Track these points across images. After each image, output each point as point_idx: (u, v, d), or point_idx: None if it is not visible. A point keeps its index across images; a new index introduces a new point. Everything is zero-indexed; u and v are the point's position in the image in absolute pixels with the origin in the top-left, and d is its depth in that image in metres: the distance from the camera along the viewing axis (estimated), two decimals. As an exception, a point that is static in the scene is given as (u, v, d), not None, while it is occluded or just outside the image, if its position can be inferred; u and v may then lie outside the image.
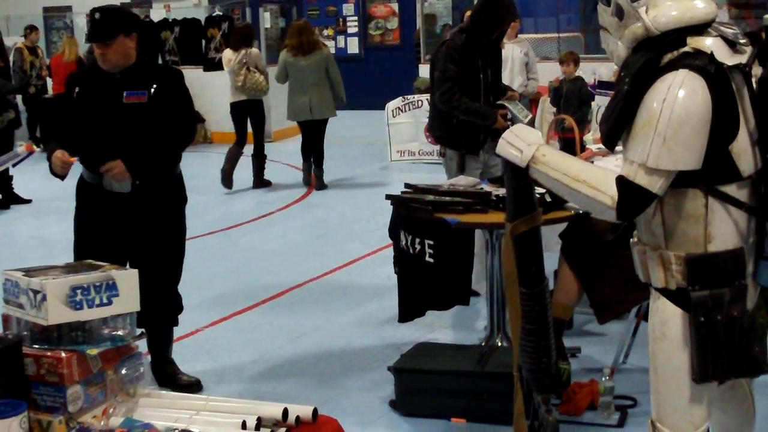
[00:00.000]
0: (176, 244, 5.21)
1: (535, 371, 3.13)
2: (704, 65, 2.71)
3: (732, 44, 2.82)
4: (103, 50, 4.80)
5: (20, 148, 4.26)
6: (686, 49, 2.77)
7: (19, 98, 14.89)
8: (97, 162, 4.88)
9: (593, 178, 2.79)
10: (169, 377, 5.27)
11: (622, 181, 2.74)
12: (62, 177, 4.82)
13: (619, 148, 2.93)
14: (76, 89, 4.99)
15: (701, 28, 2.81)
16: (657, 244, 2.89)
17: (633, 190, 2.73)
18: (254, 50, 11.59)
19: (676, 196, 2.81)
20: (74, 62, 14.24)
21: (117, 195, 4.93)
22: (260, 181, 11.84)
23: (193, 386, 5.23)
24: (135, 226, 4.97)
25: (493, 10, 6.16)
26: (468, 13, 7.34)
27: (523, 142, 2.92)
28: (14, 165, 4.52)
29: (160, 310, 5.05)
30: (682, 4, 2.79)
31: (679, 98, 2.68)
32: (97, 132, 4.90)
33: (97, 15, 4.82)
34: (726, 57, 2.77)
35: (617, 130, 2.82)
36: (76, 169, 4.99)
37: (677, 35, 2.78)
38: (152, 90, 4.89)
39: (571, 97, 10.00)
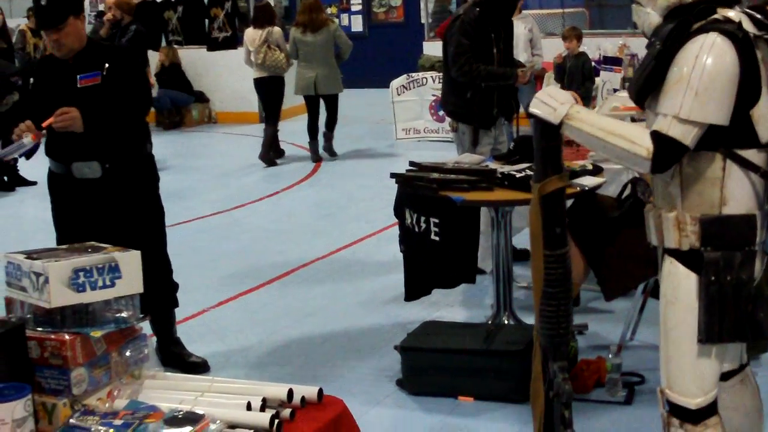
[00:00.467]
0: (155, 224, 5.11)
1: (553, 336, 3.15)
2: (733, 30, 2.85)
3: (757, 22, 2.93)
4: (57, 36, 4.65)
5: (27, 138, 4.21)
6: (716, 16, 2.90)
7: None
8: (60, 150, 4.80)
9: (628, 131, 2.93)
10: (176, 357, 5.28)
11: (656, 135, 2.86)
12: (30, 151, 4.58)
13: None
14: (31, 80, 4.91)
15: (730, 3, 2.95)
16: (673, 206, 3.00)
17: (667, 142, 2.85)
18: (276, 29, 11.86)
19: (696, 158, 2.93)
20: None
21: (88, 182, 4.82)
22: (277, 154, 12.15)
23: (200, 366, 5.23)
24: (110, 211, 4.86)
25: None
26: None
27: (556, 101, 3.02)
28: (21, 155, 4.46)
29: (155, 292, 4.89)
30: None
31: (710, 56, 2.81)
32: None
33: (42, 1, 4.64)
34: (751, 29, 2.90)
35: (648, 87, 2.96)
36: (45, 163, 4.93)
37: (707, 5, 2.92)
38: (105, 70, 4.76)
39: (574, 73, 9.97)
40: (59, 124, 4.57)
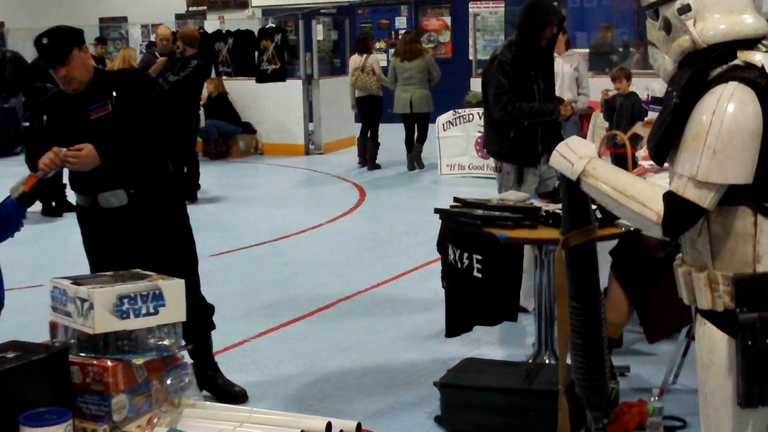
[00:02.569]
0: (185, 246, 5.09)
1: (586, 388, 3.09)
2: (755, 78, 2.66)
3: None
4: (66, 71, 4.65)
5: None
6: (736, 62, 2.71)
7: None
8: (84, 183, 4.84)
9: (640, 192, 2.75)
10: (213, 383, 5.28)
11: (670, 197, 2.69)
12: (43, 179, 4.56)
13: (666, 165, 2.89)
14: (44, 117, 4.91)
15: (751, 43, 2.75)
16: (703, 264, 2.81)
17: (681, 205, 2.67)
18: (373, 56, 14.00)
19: (723, 214, 2.74)
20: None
21: (115, 210, 4.82)
22: (372, 165, 14.01)
23: (239, 397, 5.23)
24: (140, 236, 4.85)
25: (534, 14, 6.20)
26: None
27: (575, 154, 2.91)
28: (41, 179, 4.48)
29: (190, 315, 4.92)
30: (730, 18, 2.73)
31: (729, 110, 2.62)
32: None
33: (44, 40, 4.65)
34: None
35: (666, 144, 2.76)
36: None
37: (726, 49, 2.73)
38: (113, 99, 4.74)
39: (623, 113, 9.92)
40: (73, 165, 4.58)
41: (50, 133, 4.82)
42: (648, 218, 2.71)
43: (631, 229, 4.79)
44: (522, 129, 6.29)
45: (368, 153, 14.08)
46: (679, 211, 2.68)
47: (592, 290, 3.02)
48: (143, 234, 4.85)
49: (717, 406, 2.86)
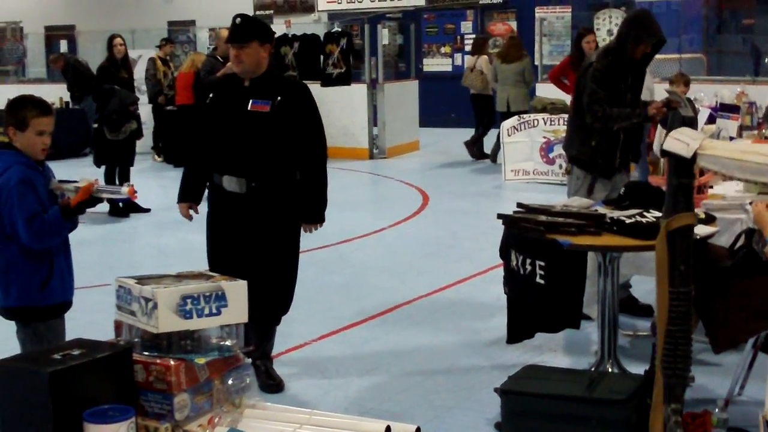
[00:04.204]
0: (290, 244, 5.49)
1: (669, 377, 3.11)
2: None
3: None
4: (238, 51, 5.20)
5: (124, 188, 4.30)
6: None
7: (149, 107, 15.34)
8: (222, 164, 5.31)
9: (761, 148, 3.07)
10: (261, 373, 5.48)
11: None
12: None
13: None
14: (211, 95, 5.42)
15: None
16: None
17: None
18: (483, 57, 15.25)
19: None
20: (192, 74, 14.52)
21: (235, 194, 5.29)
22: (480, 155, 15.22)
23: (275, 386, 5.46)
24: (251, 222, 5.30)
25: (633, 26, 6.18)
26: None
27: (689, 137, 3.16)
28: (111, 200, 4.54)
29: (268, 304, 5.31)
30: None
31: None
32: (222, 136, 5.31)
33: (237, 20, 5.26)
34: None
35: None
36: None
37: None
38: (276, 101, 5.22)
39: (676, 119, 9.78)
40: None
41: (210, 110, 5.38)
42: None
43: (698, 237, 4.73)
44: (605, 138, 6.26)
45: (475, 146, 15.24)
46: None
47: (687, 276, 3.11)
48: (254, 223, 5.32)
49: None
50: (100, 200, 4.33)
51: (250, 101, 5.24)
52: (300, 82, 6.11)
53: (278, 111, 5.22)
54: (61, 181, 4.36)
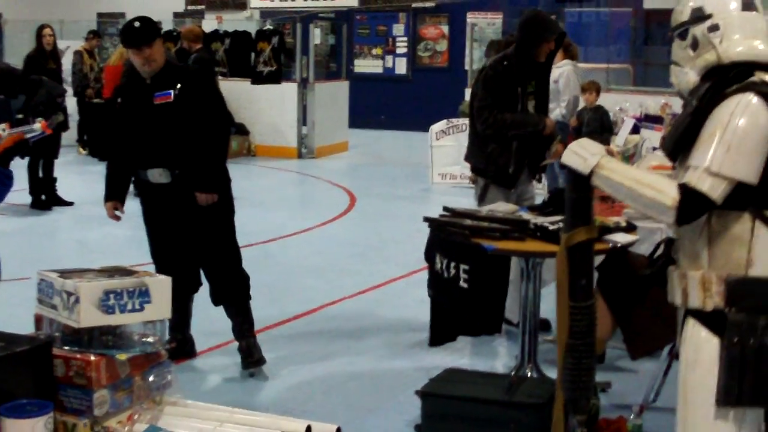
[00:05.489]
0: (224, 223, 5.69)
1: (573, 390, 3.15)
2: None
3: None
4: (150, 52, 5.36)
5: (36, 124, 4.23)
6: (753, 78, 2.95)
7: (74, 101, 15.11)
8: (143, 159, 5.54)
9: (656, 181, 2.96)
10: (242, 351, 5.74)
11: (684, 187, 2.89)
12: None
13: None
14: (119, 100, 5.67)
15: (766, 67, 3.01)
16: (699, 266, 3.01)
17: (694, 194, 2.88)
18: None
19: (724, 217, 2.95)
20: (121, 66, 14.39)
21: (162, 185, 5.53)
22: None
23: (249, 364, 5.71)
24: (184, 208, 5.52)
25: (532, 29, 6.13)
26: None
27: (588, 152, 3.10)
28: (30, 139, 4.42)
29: (226, 286, 5.65)
30: (749, 42, 3.02)
31: (746, 113, 2.87)
32: (138, 133, 5.54)
33: (136, 23, 5.42)
34: None
35: (683, 142, 3.00)
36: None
37: (745, 67, 2.98)
38: (177, 89, 5.44)
39: (593, 125, 9.95)
40: None
41: (121, 113, 5.62)
42: (662, 203, 2.91)
43: (618, 245, 4.81)
44: (499, 146, 6.20)
45: None
46: (691, 200, 2.88)
47: (588, 290, 3.11)
48: (185, 211, 5.54)
49: (695, 405, 2.99)
50: (26, 144, 4.19)
51: (154, 95, 5.46)
52: (197, 68, 6.25)
53: (180, 98, 5.44)
54: None
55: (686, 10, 3.15)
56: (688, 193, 2.87)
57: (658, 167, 5.59)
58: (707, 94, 2.96)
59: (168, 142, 5.47)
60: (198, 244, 5.61)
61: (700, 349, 2.96)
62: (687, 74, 3.11)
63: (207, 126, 5.52)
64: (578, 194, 3.15)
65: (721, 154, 2.84)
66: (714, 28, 3.05)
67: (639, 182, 2.97)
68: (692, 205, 2.88)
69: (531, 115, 6.24)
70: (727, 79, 2.98)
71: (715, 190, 2.86)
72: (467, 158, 6.69)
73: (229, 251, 5.74)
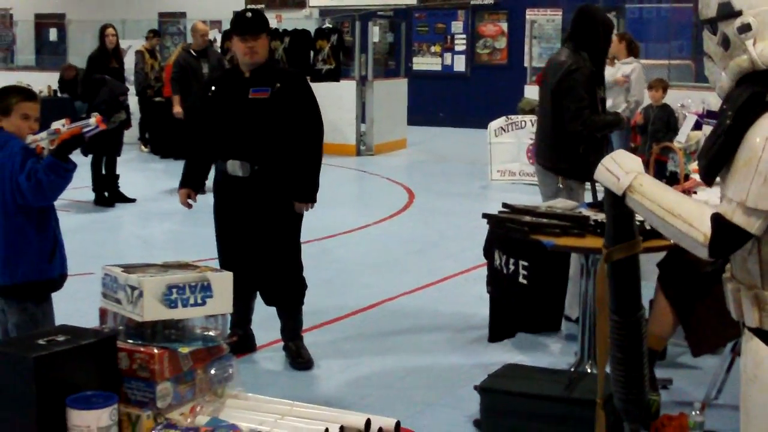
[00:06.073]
0: (293, 227, 5.76)
1: (624, 401, 3.09)
2: None
3: None
4: (254, 43, 5.49)
5: (92, 119, 4.34)
6: None
7: (136, 99, 15.30)
8: (226, 150, 5.60)
9: (687, 212, 2.71)
10: (291, 353, 5.80)
11: (717, 219, 2.65)
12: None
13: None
14: (213, 88, 5.76)
15: None
16: (752, 283, 2.79)
17: (728, 228, 2.64)
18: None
19: None
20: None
21: (239, 179, 5.57)
22: None
23: (303, 364, 5.74)
24: (256, 205, 5.59)
25: (603, 29, 6.16)
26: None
27: (622, 169, 2.86)
28: (86, 133, 4.51)
29: (283, 290, 5.72)
30: None
31: None
32: (225, 123, 5.59)
33: (248, 14, 5.61)
34: None
35: (717, 164, 2.74)
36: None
37: None
38: (275, 87, 5.51)
39: (658, 124, 9.86)
40: None
41: (213, 102, 5.69)
42: (694, 239, 2.67)
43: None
44: (592, 144, 6.15)
45: None
46: (726, 234, 2.65)
47: (634, 304, 3.00)
48: (257, 207, 5.61)
49: (759, 422, 2.84)
50: (81, 139, 4.31)
51: (251, 90, 5.53)
52: (297, 71, 6.27)
53: (277, 97, 5.50)
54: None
55: (713, 2, 2.81)
56: (721, 226, 2.64)
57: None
58: (742, 108, 2.67)
59: (254, 137, 5.52)
60: (265, 243, 5.64)
61: (760, 366, 2.80)
62: (721, 77, 2.83)
63: (302, 132, 5.58)
64: (617, 211, 2.94)
65: (757, 187, 2.59)
66: (745, 28, 2.71)
67: (670, 212, 2.72)
68: (727, 239, 2.66)
69: (616, 115, 6.28)
70: (763, 91, 2.67)
71: (752, 224, 2.63)
72: (551, 162, 6.37)
73: (293, 255, 5.80)
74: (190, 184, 5.80)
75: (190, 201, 5.80)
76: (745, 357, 2.87)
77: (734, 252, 2.74)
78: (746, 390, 2.88)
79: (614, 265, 2.99)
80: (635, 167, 2.87)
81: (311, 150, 5.68)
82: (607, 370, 3.19)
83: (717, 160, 2.73)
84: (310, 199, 5.70)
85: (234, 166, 5.58)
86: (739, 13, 2.73)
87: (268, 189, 5.57)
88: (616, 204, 2.91)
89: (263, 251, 5.66)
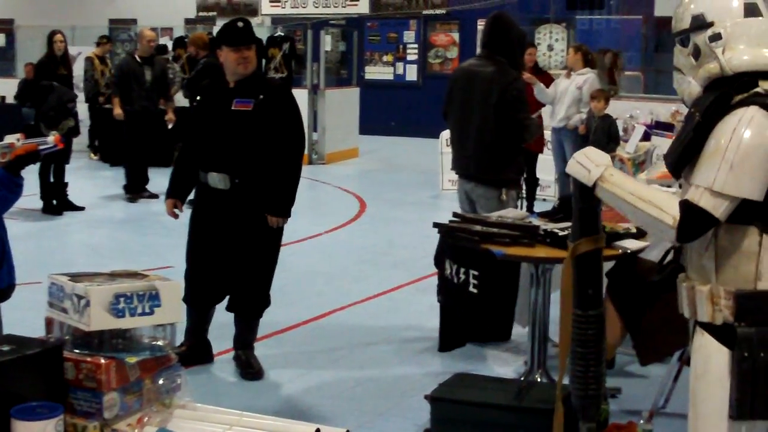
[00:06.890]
0: (271, 240, 5.72)
1: (582, 398, 3.14)
2: None
3: None
4: (249, 53, 5.50)
5: (50, 137, 4.28)
6: (757, 89, 2.88)
7: (85, 106, 15.14)
8: (207, 161, 5.56)
9: (657, 198, 2.92)
10: (241, 362, 5.76)
11: (686, 204, 2.85)
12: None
13: (674, 189, 2.99)
14: (198, 98, 5.82)
15: None
16: (706, 279, 2.96)
17: (696, 212, 2.83)
18: None
19: (731, 231, 2.89)
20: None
21: (219, 191, 5.53)
22: None
23: (253, 374, 5.69)
24: (234, 218, 5.54)
25: (518, 38, 6.25)
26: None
27: (592, 162, 3.05)
28: (42, 151, 4.46)
29: (248, 299, 5.68)
30: (754, 51, 2.93)
31: (748, 130, 2.81)
32: (208, 134, 5.56)
33: (240, 24, 5.57)
34: None
35: (685, 159, 2.94)
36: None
37: (750, 78, 2.90)
38: (258, 99, 5.48)
39: (599, 134, 9.95)
40: None
41: (198, 112, 5.74)
42: (664, 222, 2.86)
43: (628, 251, 4.81)
44: (522, 155, 6.31)
45: None
46: (693, 218, 2.83)
47: (596, 299, 3.09)
48: (236, 220, 5.56)
49: (706, 416, 2.96)
50: (37, 156, 4.22)
51: (234, 101, 5.50)
52: (282, 83, 6.26)
53: (260, 109, 5.47)
54: None
55: (686, 16, 3.04)
56: (689, 210, 2.83)
57: (666, 175, 5.60)
58: (710, 107, 2.89)
59: (235, 150, 5.47)
60: (240, 254, 5.59)
61: (710, 360, 2.93)
62: (690, 84, 3.03)
63: (283, 146, 5.52)
64: (584, 204, 3.11)
65: (724, 174, 2.79)
66: (716, 37, 2.95)
67: (641, 198, 2.92)
68: (694, 223, 2.83)
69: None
70: (730, 91, 2.90)
71: (717, 208, 2.81)
72: (484, 172, 6.22)
73: (267, 269, 5.76)
74: (177, 195, 5.77)
75: (176, 211, 5.76)
76: (696, 354, 3.00)
77: (700, 236, 2.90)
78: (695, 386, 2.99)
79: (578, 259, 3.12)
80: (605, 161, 3.06)
81: (290, 165, 5.62)
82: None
83: (685, 155, 2.93)
84: (285, 213, 5.65)
85: (215, 179, 5.55)
86: (711, 24, 2.97)
87: (247, 203, 5.53)
88: (585, 197, 3.09)
89: (238, 260, 5.61)
